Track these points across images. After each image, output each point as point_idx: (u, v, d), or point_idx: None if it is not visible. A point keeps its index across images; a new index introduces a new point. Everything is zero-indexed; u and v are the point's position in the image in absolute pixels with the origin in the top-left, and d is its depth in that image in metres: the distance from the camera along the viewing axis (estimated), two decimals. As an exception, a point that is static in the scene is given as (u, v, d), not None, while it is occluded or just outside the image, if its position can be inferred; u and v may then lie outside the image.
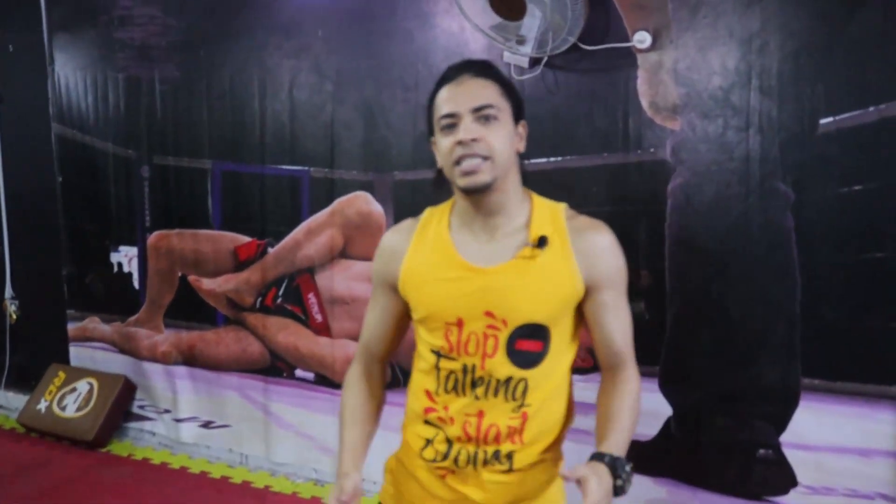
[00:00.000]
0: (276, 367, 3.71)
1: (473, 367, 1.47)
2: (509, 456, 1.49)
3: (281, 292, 3.62)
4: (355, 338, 3.35)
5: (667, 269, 2.77)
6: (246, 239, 3.70)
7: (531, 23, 2.68)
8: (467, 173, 1.42)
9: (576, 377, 2.90)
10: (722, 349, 2.70)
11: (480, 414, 1.48)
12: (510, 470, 1.50)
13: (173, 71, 3.77)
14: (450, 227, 1.54)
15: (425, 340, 1.55)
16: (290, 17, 3.40)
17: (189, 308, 3.91)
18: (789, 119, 2.53)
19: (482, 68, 1.49)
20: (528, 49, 2.76)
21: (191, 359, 3.94)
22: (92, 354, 4.30)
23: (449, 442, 1.52)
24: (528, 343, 1.45)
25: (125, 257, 4.10)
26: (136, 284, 4.09)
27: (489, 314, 1.44)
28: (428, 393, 1.55)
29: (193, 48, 3.69)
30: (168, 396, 4.05)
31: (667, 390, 2.82)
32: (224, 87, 3.63)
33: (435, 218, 1.57)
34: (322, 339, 3.53)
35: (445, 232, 1.54)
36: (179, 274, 3.92)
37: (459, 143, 1.41)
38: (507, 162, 1.45)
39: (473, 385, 1.47)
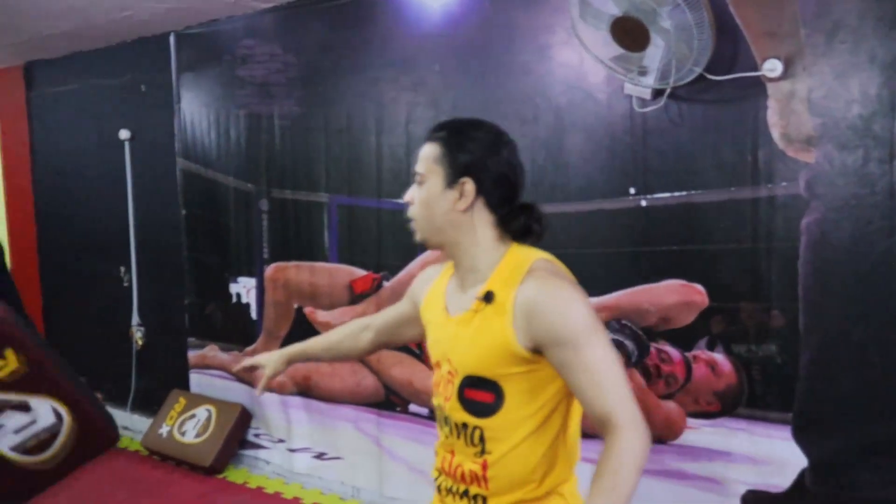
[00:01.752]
0: (390, 400, 3.71)
1: (441, 406, 1.55)
2: (481, 500, 1.51)
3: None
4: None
5: (801, 309, 2.61)
6: (361, 272, 3.72)
7: (654, 53, 2.60)
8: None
9: (702, 422, 2.82)
10: (865, 397, 2.52)
11: (452, 452, 1.55)
12: None
13: (292, 107, 3.86)
14: (452, 276, 1.60)
15: None
16: (406, 53, 3.43)
17: (305, 340, 3.95)
18: (939, 149, 2.36)
19: (433, 131, 1.53)
20: (650, 80, 2.68)
21: (306, 390, 3.99)
22: (211, 381, 4.43)
23: (436, 470, 1.63)
24: (477, 393, 1.46)
25: (244, 288, 4.20)
26: (253, 315, 4.19)
27: (448, 361, 1.52)
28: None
29: (312, 84, 3.78)
30: (283, 426, 4.11)
31: (801, 439, 2.65)
32: (342, 122, 3.69)
33: (450, 264, 1.63)
34: (436, 373, 3.50)
35: (446, 279, 1.62)
36: (296, 306, 3.99)
37: None
38: (432, 222, 1.50)
39: (445, 422, 1.55)
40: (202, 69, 4.23)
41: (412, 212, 1.53)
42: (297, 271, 3.95)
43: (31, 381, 2.63)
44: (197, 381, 4.48)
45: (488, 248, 1.49)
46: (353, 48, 3.61)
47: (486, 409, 1.45)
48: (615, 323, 2.97)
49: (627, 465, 1.30)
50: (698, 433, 2.86)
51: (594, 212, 2.99)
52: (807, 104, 2.54)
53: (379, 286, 3.66)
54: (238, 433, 4.21)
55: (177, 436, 4.27)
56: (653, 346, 2.92)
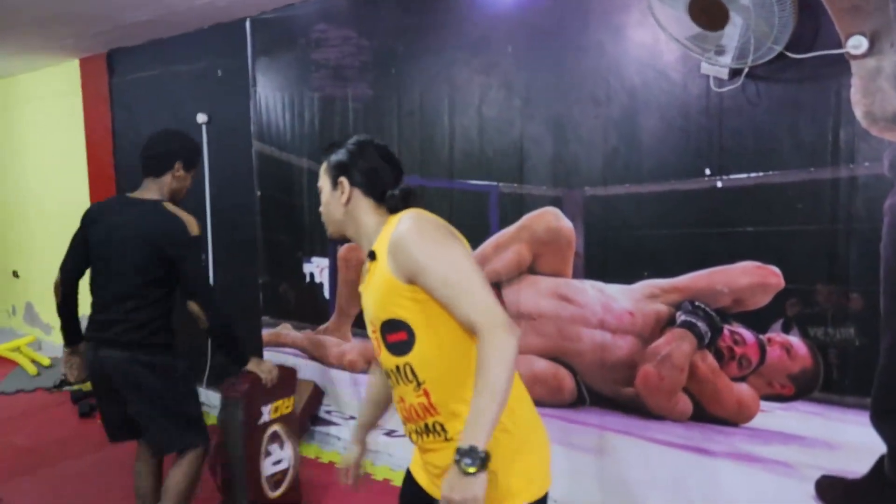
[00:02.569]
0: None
1: (381, 363, 1.82)
2: (440, 427, 1.73)
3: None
4: (541, 354, 3.37)
5: (882, 292, 2.56)
6: (433, 253, 3.76)
7: (732, 32, 2.57)
8: None
9: (775, 405, 2.79)
10: (947, 382, 2.46)
11: (402, 399, 1.79)
12: (447, 439, 1.72)
13: (366, 89, 3.92)
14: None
15: None
16: (479, 35, 3.45)
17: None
18: None
19: (323, 153, 1.93)
20: (727, 60, 2.65)
21: (376, 368, 4.05)
22: (284, 359, 4.53)
23: (403, 424, 1.86)
24: (393, 336, 1.71)
25: (317, 268, 4.29)
26: (326, 294, 4.28)
27: (370, 322, 1.80)
28: None
29: (385, 67, 3.83)
30: (354, 404, 4.20)
31: (880, 425, 2.60)
32: (414, 104, 3.73)
33: None
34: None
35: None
36: (367, 285, 4.05)
37: None
38: (332, 218, 1.88)
39: (388, 376, 1.81)
40: (277, 53, 4.32)
41: (323, 217, 1.91)
42: (369, 251, 4.02)
43: (291, 423, 3.41)
44: (270, 358, 4.59)
45: (373, 225, 1.81)
46: (425, 31, 3.64)
47: (404, 346, 1.70)
48: (688, 304, 2.96)
49: (494, 364, 1.50)
50: (771, 416, 2.83)
51: (668, 193, 2.97)
52: (893, 82, 2.47)
53: (449, 266, 3.69)
54: (310, 410, 4.32)
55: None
56: (726, 328, 2.89)
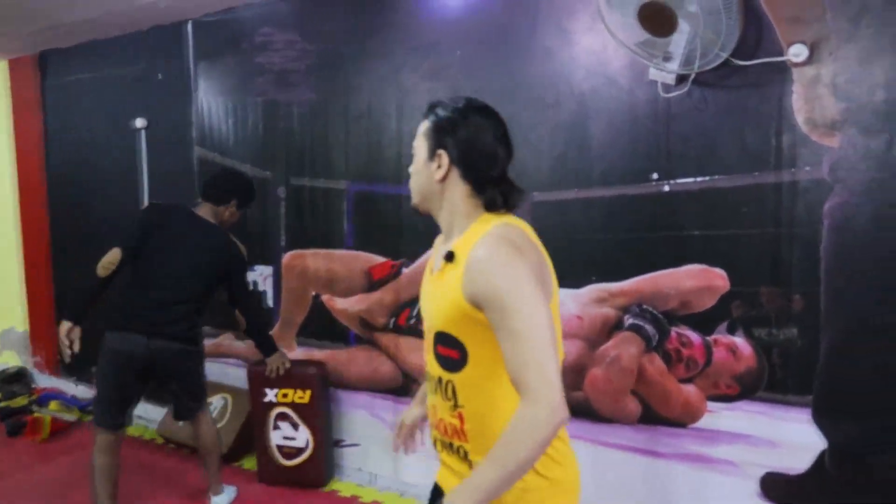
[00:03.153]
0: (407, 386, 3.72)
1: (427, 360, 1.66)
2: (464, 452, 1.59)
3: (415, 313, 3.64)
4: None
5: (822, 293, 2.64)
6: (380, 259, 3.74)
7: (679, 38, 2.62)
8: None
9: (721, 405, 2.84)
10: (883, 379, 2.54)
11: (435, 407, 1.64)
12: (471, 468, 1.58)
13: (311, 94, 3.88)
14: (442, 238, 1.71)
15: None
16: (428, 39, 3.44)
17: (322, 327, 3.98)
18: (963, 134, 2.38)
19: (427, 109, 1.66)
20: (674, 66, 2.70)
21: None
22: (225, 370, 4.44)
23: (430, 427, 1.71)
24: (445, 350, 1.55)
25: (260, 276, 4.21)
26: (269, 302, 4.20)
27: (428, 316, 1.64)
28: None
29: (331, 71, 3.79)
30: (299, 413, 4.12)
31: (821, 422, 2.67)
32: (362, 108, 3.70)
33: None
34: (454, 359, 3.52)
35: (440, 241, 1.72)
36: (313, 293, 4.00)
37: None
38: (420, 190, 1.65)
39: (428, 378, 1.66)
40: (219, 57, 4.25)
41: (411, 181, 1.69)
42: (315, 259, 3.97)
43: (306, 412, 3.83)
44: (212, 369, 4.48)
45: (462, 215, 1.59)
46: (372, 35, 3.62)
47: (454, 364, 1.54)
48: (636, 307, 2.99)
49: (522, 437, 1.32)
50: (718, 416, 2.88)
51: (616, 197, 3.01)
52: (831, 89, 2.56)
53: (398, 273, 3.68)
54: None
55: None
56: (673, 331, 2.94)
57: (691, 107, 2.81)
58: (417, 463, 3.67)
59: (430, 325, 1.60)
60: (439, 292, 1.56)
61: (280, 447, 3.89)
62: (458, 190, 1.59)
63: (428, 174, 1.61)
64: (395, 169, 3.61)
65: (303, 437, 3.85)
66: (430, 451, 3.53)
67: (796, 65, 2.59)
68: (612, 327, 3.07)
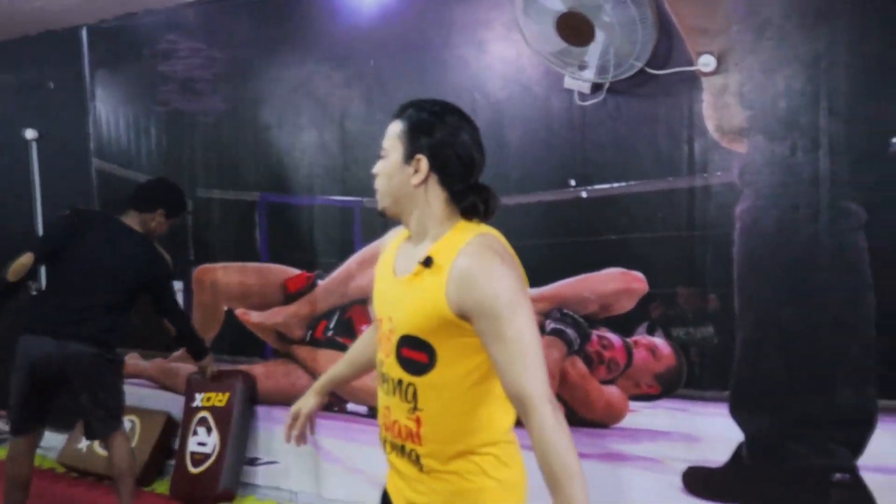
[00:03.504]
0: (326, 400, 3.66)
1: (382, 362, 1.64)
2: (416, 456, 1.59)
3: (332, 324, 3.59)
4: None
5: (735, 293, 2.75)
6: (295, 271, 3.67)
7: (594, 48, 2.68)
8: None
9: (643, 404, 2.92)
10: (795, 373, 2.67)
11: (389, 408, 1.64)
12: (422, 471, 1.59)
13: (218, 103, 3.77)
14: (405, 240, 1.69)
15: None
16: (340, 48, 3.41)
17: (237, 342, 3.87)
18: (859, 139, 2.53)
19: (401, 109, 1.64)
20: (589, 74, 2.76)
21: (237, 393, 3.89)
22: (129, 391, 4.23)
23: (380, 428, 1.70)
24: (412, 353, 1.55)
25: (168, 292, 4.06)
26: (179, 319, 4.05)
27: (389, 319, 1.61)
28: None
29: (240, 80, 3.70)
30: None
31: (737, 415, 2.78)
32: (272, 118, 3.63)
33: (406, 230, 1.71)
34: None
35: (399, 242, 1.70)
36: (225, 308, 3.89)
37: None
38: (390, 193, 1.60)
39: (383, 380, 1.64)
40: (119, 65, 4.08)
41: (376, 183, 1.63)
42: (226, 272, 3.86)
43: (220, 416, 3.77)
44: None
45: (438, 221, 1.57)
46: (283, 43, 3.56)
47: (420, 368, 1.54)
48: (557, 312, 3.04)
49: (563, 442, 1.35)
50: (640, 415, 2.96)
51: (534, 204, 3.06)
52: (738, 98, 2.68)
53: (313, 284, 3.61)
54: (164, 443, 4.06)
55: (97, 450, 4.07)
56: (594, 333, 3.00)
57: (606, 115, 2.88)
58: (337, 478, 3.62)
59: (396, 328, 1.58)
60: (411, 297, 1.55)
61: (193, 454, 3.79)
62: (435, 195, 1.57)
63: (403, 178, 1.57)
64: (309, 180, 3.56)
65: (212, 442, 3.75)
66: (352, 465, 3.52)
67: (705, 74, 2.70)
68: (533, 332, 3.11)
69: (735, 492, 2.79)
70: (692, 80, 2.72)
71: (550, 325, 3.07)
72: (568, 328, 3.04)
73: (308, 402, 2.00)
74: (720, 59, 2.67)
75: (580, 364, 3.03)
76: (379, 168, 1.63)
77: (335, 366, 2.05)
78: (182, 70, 3.85)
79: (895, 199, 2.48)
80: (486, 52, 3.10)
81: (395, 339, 1.58)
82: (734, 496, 2.79)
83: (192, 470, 3.76)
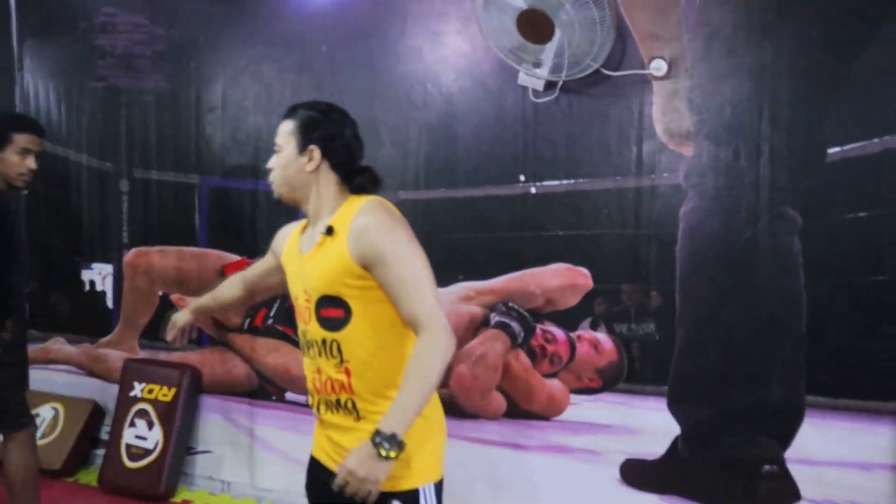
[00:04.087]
0: (264, 389, 3.61)
1: (304, 331, 1.83)
2: (352, 405, 1.76)
3: (272, 313, 3.54)
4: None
5: (677, 290, 2.84)
6: (234, 257, 3.60)
7: (550, 46, 2.72)
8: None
9: (584, 398, 2.99)
10: (729, 369, 2.77)
11: (318, 370, 1.80)
12: (358, 418, 1.76)
13: (159, 82, 3.66)
14: (305, 227, 1.91)
15: None
16: (291, 32, 3.35)
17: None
18: (799, 148, 2.63)
19: (290, 110, 1.87)
20: (543, 72, 2.80)
21: (169, 380, 3.79)
22: (53, 377, 4.09)
23: (311, 394, 1.87)
24: (329, 311, 1.75)
25: (99, 275, 3.93)
26: (109, 303, 3.92)
27: (304, 291, 1.81)
28: None
29: (184, 59, 3.60)
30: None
31: (675, 409, 2.87)
32: (216, 100, 3.54)
33: (304, 221, 1.94)
34: (315, 359, 3.46)
35: (300, 231, 1.92)
36: (160, 293, 3.78)
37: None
38: (287, 182, 1.83)
39: (308, 347, 1.82)
40: (51, 36, 3.91)
41: (272, 176, 1.86)
42: (162, 256, 3.75)
43: (165, 412, 3.65)
44: (39, 377, 4.12)
45: (332, 200, 1.81)
46: (231, 23, 3.47)
47: (338, 323, 1.73)
48: (502, 305, 3.08)
49: (433, 359, 1.60)
50: (580, 408, 3.03)
51: (483, 197, 3.08)
52: (687, 103, 2.76)
53: (254, 271, 3.55)
54: (90, 431, 3.93)
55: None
56: (538, 327, 3.05)
57: (559, 112, 2.92)
58: (274, 468, 3.58)
59: (312, 291, 1.77)
60: (320, 263, 1.75)
61: (129, 446, 3.68)
62: (327, 179, 1.80)
63: (298, 167, 1.80)
64: (253, 164, 3.49)
65: (154, 438, 3.65)
66: (289, 454, 3.48)
67: (656, 78, 2.77)
68: (478, 325, 3.14)
69: (670, 483, 2.87)
70: (643, 84, 2.79)
71: (495, 318, 3.10)
72: (513, 321, 3.08)
73: (183, 316, 2.29)
74: (671, 65, 2.75)
75: (524, 357, 3.08)
76: (273, 162, 1.86)
77: (204, 296, 2.34)
78: (122, 46, 3.71)
79: (829, 206, 2.60)
80: (441, 45, 3.10)
81: (312, 305, 1.77)
82: (669, 487, 2.88)
83: (129, 464, 3.65)
